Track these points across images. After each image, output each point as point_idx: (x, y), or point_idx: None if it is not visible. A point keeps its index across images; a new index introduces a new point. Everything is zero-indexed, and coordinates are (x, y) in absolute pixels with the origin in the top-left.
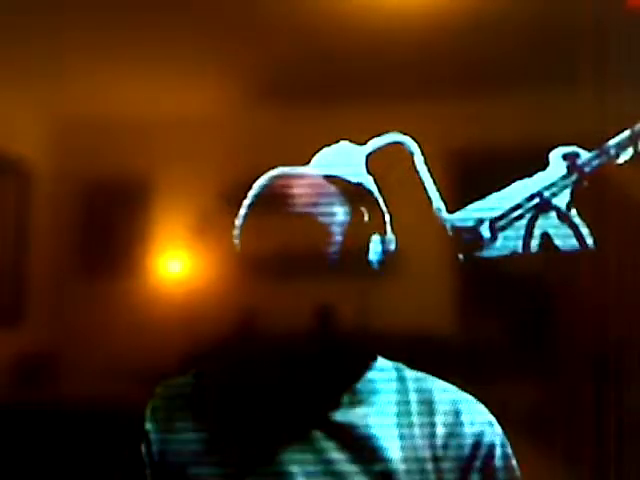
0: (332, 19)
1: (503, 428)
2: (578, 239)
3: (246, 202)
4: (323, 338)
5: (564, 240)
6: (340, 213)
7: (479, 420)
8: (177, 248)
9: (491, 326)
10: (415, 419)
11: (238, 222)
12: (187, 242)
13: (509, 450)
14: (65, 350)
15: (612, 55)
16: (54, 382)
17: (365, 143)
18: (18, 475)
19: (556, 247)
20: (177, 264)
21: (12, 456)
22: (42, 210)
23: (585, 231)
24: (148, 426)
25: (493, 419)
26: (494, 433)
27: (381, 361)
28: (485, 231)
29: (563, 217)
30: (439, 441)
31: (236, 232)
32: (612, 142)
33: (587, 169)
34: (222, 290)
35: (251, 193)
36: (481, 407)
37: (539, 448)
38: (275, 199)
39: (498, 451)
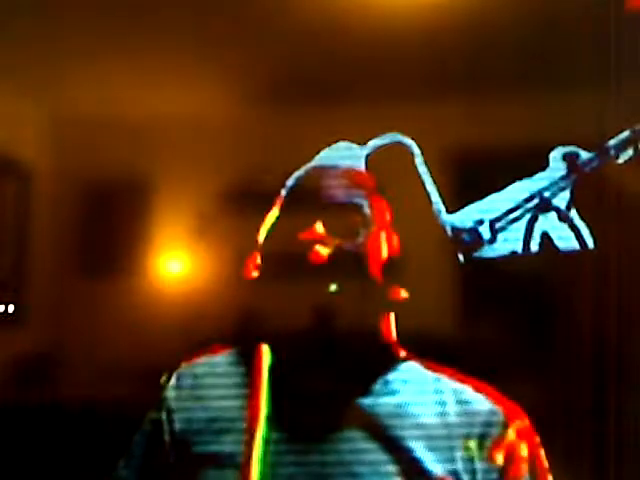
0: (333, 20)
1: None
2: (578, 239)
3: (280, 198)
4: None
5: (564, 240)
6: (364, 208)
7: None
8: (177, 248)
9: (491, 326)
10: (452, 417)
11: (271, 218)
12: (187, 242)
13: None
14: (65, 350)
15: (612, 55)
16: (54, 381)
17: (365, 143)
18: (18, 474)
19: (556, 247)
20: (177, 264)
21: (12, 455)
22: (42, 210)
23: (585, 231)
24: (170, 395)
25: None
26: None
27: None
28: (485, 231)
29: (563, 217)
30: (473, 445)
31: (268, 228)
32: (612, 142)
33: (587, 169)
34: (223, 288)
35: (285, 189)
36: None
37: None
38: (309, 194)
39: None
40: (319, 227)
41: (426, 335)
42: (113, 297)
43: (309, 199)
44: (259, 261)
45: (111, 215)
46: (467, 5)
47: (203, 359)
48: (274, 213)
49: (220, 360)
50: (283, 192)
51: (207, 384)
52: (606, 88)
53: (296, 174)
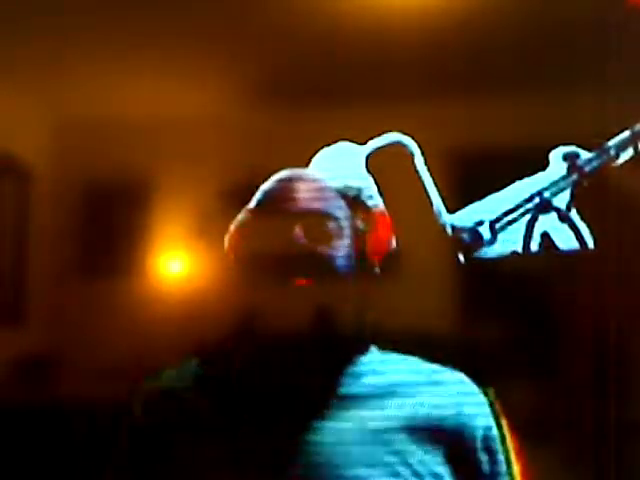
0: (333, 20)
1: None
2: (578, 239)
3: (252, 203)
4: (322, 333)
5: (564, 240)
6: (342, 215)
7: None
8: (176, 248)
9: (491, 326)
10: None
11: (243, 221)
12: (186, 242)
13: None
14: (64, 350)
15: (612, 55)
16: (53, 381)
17: (365, 143)
18: (17, 473)
19: (556, 247)
20: (176, 264)
21: (12, 454)
22: (42, 210)
23: (585, 231)
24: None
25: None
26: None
27: (375, 351)
28: (485, 231)
29: (563, 217)
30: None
31: (241, 231)
32: (612, 142)
33: (587, 169)
34: (222, 288)
35: (257, 195)
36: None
37: (539, 447)
38: (280, 201)
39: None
40: (295, 231)
41: (426, 334)
42: (112, 297)
43: (281, 205)
44: (233, 262)
45: (111, 215)
46: (467, 6)
47: (171, 371)
48: (246, 217)
49: (190, 369)
50: (256, 197)
51: (177, 396)
52: (606, 88)
53: (268, 182)
